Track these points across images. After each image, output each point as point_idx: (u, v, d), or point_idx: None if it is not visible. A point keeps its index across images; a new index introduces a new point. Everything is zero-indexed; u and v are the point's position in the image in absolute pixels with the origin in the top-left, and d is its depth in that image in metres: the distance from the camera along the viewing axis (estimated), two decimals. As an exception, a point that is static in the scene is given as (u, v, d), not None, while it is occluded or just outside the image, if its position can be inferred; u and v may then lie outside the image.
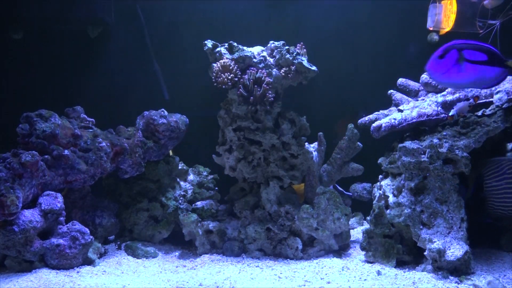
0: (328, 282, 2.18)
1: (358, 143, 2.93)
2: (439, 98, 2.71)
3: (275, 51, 2.78)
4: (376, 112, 2.95)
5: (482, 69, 2.28)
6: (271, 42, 2.82)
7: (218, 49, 2.76)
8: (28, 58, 3.42)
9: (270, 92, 2.62)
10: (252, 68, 2.65)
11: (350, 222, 2.80)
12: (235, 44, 2.75)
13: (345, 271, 2.34)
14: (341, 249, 2.73)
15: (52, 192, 2.44)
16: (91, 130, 2.74)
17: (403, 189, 2.49)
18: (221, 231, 2.74)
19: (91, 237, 2.44)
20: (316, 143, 3.00)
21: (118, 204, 2.92)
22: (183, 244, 2.89)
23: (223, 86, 2.65)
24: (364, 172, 2.98)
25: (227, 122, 2.78)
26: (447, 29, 2.81)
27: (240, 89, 2.61)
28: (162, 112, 2.99)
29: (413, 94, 2.96)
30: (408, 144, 2.47)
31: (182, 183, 3.11)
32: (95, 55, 3.48)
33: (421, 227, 2.37)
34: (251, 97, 2.60)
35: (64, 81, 3.43)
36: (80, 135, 2.60)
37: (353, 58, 3.51)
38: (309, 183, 2.85)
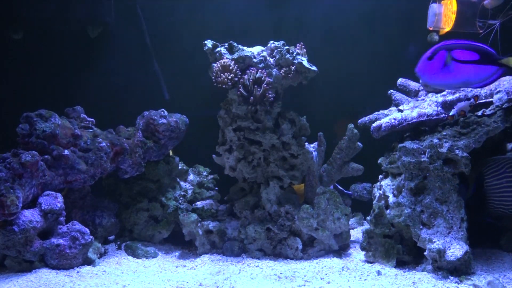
0: (328, 282, 2.18)
1: (358, 143, 2.93)
2: (439, 98, 2.71)
3: (275, 51, 2.78)
4: (376, 112, 2.95)
5: (473, 68, 2.26)
6: (271, 42, 2.82)
7: (218, 49, 2.76)
8: (28, 58, 3.42)
9: (270, 92, 2.62)
10: (252, 68, 2.65)
11: (350, 222, 2.80)
12: (235, 44, 2.75)
13: (345, 271, 2.34)
14: (341, 249, 2.73)
15: (52, 192, 2.44)
16: (91, 130, 2.74)
17: (403, 189, 2.49)
18: (221, 231, 2.74)
19: (91, 237, 2.44)
20: (316, 143, 3.00)
21: (118, 204, 2.92)
22: (183, 244, 2.89)
23: (223, 86, 2.65)
24: (364, 172, 2.98)
25: (227, 122, 2.78)
26: (447, 29, 2.81)
27: (240, 89, 2.61)
28: (162, 112, 2.99)
29: (413, 94, 2.95)
30: (408, 144, 2.47)
31: (182, 183, 3.11)
32: (95, 55, 3.48)
33: (421, 227, 2.37)
34: (251, 97, 2.60)
35: (64, 81, 3.43)
36: (80, 135, 2.60)
37: (353, 58, 3.51)
38: (309, 183, 2.85)
